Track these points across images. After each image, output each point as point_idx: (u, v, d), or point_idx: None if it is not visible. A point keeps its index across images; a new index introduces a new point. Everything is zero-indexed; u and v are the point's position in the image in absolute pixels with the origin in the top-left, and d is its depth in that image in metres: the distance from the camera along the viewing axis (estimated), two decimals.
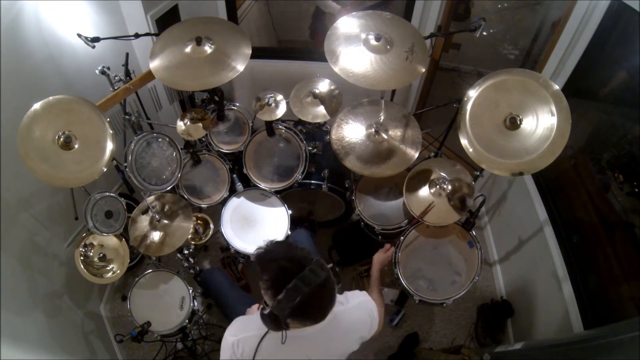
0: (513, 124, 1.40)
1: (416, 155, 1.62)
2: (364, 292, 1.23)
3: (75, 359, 1.75)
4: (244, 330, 1.06)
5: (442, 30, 2.37)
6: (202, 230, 2.11)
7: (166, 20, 2.10)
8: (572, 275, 1.65)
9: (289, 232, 1.83)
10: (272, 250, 0.93)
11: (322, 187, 1.96)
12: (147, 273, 1.74)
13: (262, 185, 1.91)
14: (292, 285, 0.83)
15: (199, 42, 1.57)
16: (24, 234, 1.63)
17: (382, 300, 1.39)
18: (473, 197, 1.60)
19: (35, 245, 1.69)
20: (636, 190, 1.46)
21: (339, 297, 1.12)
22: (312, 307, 0.89)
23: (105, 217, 1.61)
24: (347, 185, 1.97)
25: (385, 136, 1.66)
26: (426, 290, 1.67)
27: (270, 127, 1.83)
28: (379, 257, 1.53)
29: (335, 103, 1.79)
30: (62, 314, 1.81)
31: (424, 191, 1.66)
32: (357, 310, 1.13)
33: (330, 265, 0.94)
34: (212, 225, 2.13)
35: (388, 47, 1.52)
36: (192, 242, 2.04)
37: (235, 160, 2.03)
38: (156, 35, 1.76)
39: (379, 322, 1.23)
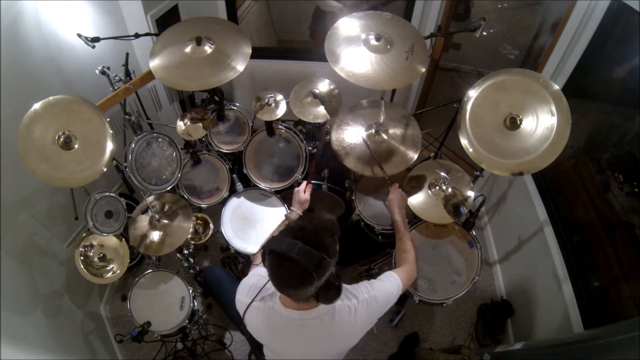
0: (513, 124, 1.40)
1: (416, 155, 1.62)
2: (384, 281, 1.21)
3: (75, 359, 1.75)
4: (248, 294, 1.13)
5: (442, 30, 2.36)
6: (202, 230, 2.11)
7: (166, 20, 2.10)
8: (572, 275, 1.65)
9: None
10: (321, 219, 0.97)
11: (322, 187, 1.96)
12: (147, 273, 1.74)
13: (262, 185, 1.91)
14: (288, 240, 0.89)
15: (199, 42, 1.57)
16: (24, 234, 1.63)
17: (410, 246, 1.38)
18: (467, 207, 1.60)
19: (35, 245, 1.69)
20: (636, 190, 1.46)
21: (346, 288, 1.12)
22: (277, 269, 0.93)
23: (105, 217, 1.61)
24: (347, 185, 1.97)
25: (385, 136, 1.66)
26: (426, 290, 1.67)
27: (270, 127, 1.83)
28: (392, 198, 1.49)
29: (335, 103, 1.79)
30: (62, 314, 1.81)
31: (424, 191, 1.66)
32: (364, 306, 1.11)
33: (333, 280, 0.95)
34: (212, 225, 2.13)
35: (388, 47, 1.52)
36: (192, 242, 2.04)
37: (235, 160, 2.03)
38: (156, 35, 1.76)
39: (405, 287, 1.25)
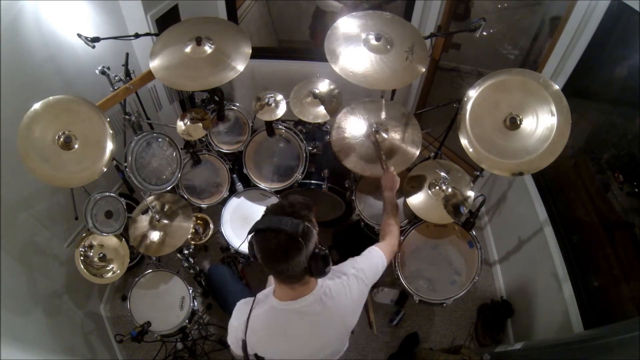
0: (513, 124, 1.40)
1: (416, 155, 1.62)
2: (367, 256, 1.26)
3: (75, 359, 1.75)
4: (243, 314, 1.11)
5: (442, 30, 2.36)
6: (202, 230, 2.11)
7: (166, 20, 2.10)
8: (572, 275, 1.65)
9: None
10: (297, 196, 1.02)
11: (322, 187, 1.96)
12: (147, 273, 1.74)
13: (262, 185, 1.91)
14: (270, 215, 0.95)
15: (199, 42, 1.57)
16: (24, 234, 1.63)
17: (395, 226, 1.45)
18: (467, 207, 1.60)
19: (35, 245, 1.69)
20: (636, 190, 1.46)
21: (333, 269, 1.13)
22: (267, 244, 0.94)
23: (105, 217, 1.61)
24: (347, 185, 1.97)
25: (385, 136, 1.66)
26: (426, 290, 1.67)
27: (270, 127, 1.83)
28: (383, 184, 1.54)
29: (335, 103, 1.79)
30: (62, 314, 1.81)
31: (424, 191, 1.66)
32: (354, 280, 1.14)
33: (319, 251, 0.98)
34: (212, 225, 2.13)
35: (388, 47, 1.52)
36: (192, 242, 2.04)
37: (235, 160, 2.03)
38: (156, 35, 1.76)
39: (387, 262, 1.30)
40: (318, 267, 0.98)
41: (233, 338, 1.12)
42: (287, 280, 1.03)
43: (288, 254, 0.93)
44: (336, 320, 1.11)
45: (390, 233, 1.41)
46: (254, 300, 1.12)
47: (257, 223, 0.96)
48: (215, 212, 1.96)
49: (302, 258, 0.94)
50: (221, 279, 1.73)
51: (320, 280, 1.08)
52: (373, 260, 1.25)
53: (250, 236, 0.98)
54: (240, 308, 1.15)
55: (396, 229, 1.45)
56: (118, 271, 1.65)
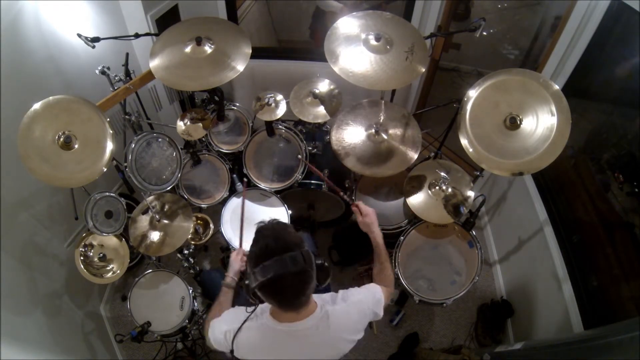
0: (513, 124, 1.40)
1: (416, 155, 1.62)
2: (365, 288, 1.20)
3: (75, 359, 1.75)
4: (235, 321, 1.08)
5: (442, 30, 2.36)
6: (202, 230, 2.11)
7: (166, 20, 2.10)
8: (572, 275, 1.65)
9: None
10: (268, 227, 0.98)
11: (322, 187, 1.96)
12: (147, 273, 1.74)
13: (262, 185, 1.91)
14: (267, 263, 0.89)
15: (199, 42, 1.57)
16: (24, 234, 1.63)
17: (390, 271, 1.34)
18: (467, 207, 1.60)
19: (35, 245, 1.69)
20: (636, 190, 1.46)
21: (334, 295, 1.13)
22: (281, 290, 0.93)
23: (105, 217, 1.61)
24: (347, 185, 1.97)
25: (385, 136, 1.66)
26: (426, 290, 1.67)
27: (270, 127, 1.83)
28: (365, 222, 1.39)
29: (335, 103, 1.79)
30: (62, 314, 1.81)
31: (424, 191, 1.66)
32: (354, 308, 1.11)
33: (320, 261, 0.97)
34: (212, 225, 2.13)
35: (388, 47, 1.52)
36: (192, 242, 2.04)
37: (235, 160, 2.03)
38: (156, 35, 1.76)
39: (385, 304, 1.22)
40: (320, 277, 0.99)
41: (219, 337, 1.10)
42: (299, 307, 1.00)
43: (304, 286, 0.93)
44: (327, 344, 1.09)
45: (385, 287, 1.27)
46: (253, 310, 1.07)
47: (258, 276, 0.89)
48: (216, 212, 1.96)
49: (314, 279, 0.95)
50: (214, 284, 1.72)
51: (319, 304, 1.06)
52: (374, 296, 1.17)
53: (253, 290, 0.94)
54: (236, 313, 1.12)
55: (392, 286, 1.33)
56: (118, 271, 1.65)
